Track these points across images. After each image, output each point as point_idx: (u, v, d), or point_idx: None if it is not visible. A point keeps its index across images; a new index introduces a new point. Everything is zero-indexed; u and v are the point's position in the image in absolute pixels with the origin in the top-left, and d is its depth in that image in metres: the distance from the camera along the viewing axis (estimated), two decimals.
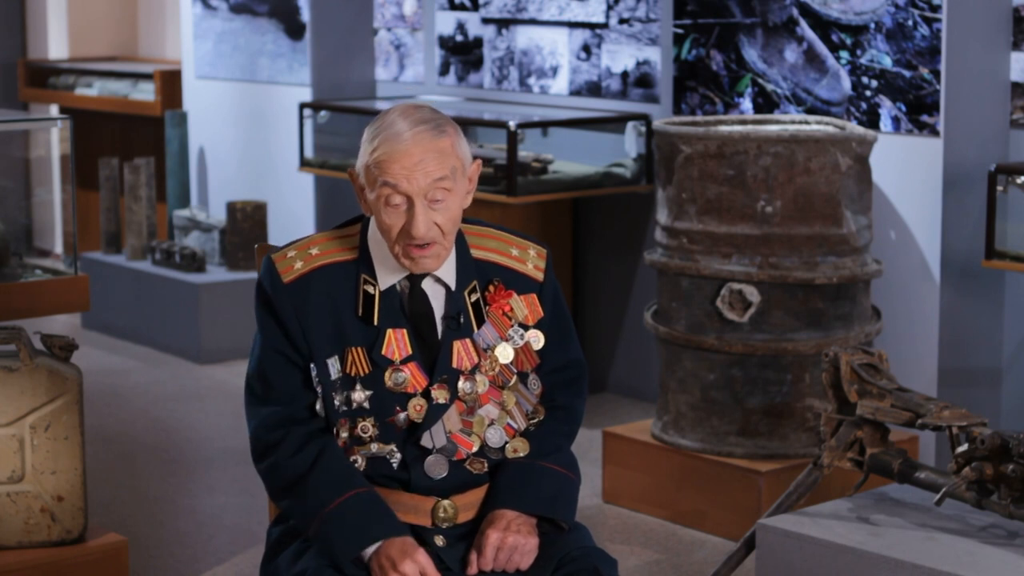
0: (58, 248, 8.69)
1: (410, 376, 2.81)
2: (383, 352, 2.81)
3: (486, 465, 2.86)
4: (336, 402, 2.82)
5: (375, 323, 2.82)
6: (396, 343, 2.82)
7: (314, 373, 2.82)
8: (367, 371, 2.81)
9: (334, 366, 2.82)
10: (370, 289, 2.84)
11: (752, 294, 4.76)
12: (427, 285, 2.86)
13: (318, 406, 2.84)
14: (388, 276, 2.85)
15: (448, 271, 2.87)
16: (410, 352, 2.82)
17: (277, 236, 7.14)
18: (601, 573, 2.79)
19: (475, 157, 2.91)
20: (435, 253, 2.81)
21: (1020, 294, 5.19)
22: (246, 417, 2.90)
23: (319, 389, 2.83)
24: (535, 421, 2.92)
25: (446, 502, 2.83)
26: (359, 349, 2.82)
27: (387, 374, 2.81)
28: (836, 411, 3.64)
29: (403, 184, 2.75)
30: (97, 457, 5.53)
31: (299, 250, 2.88)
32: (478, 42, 6.68)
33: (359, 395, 2.81)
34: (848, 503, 3.62)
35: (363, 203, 2.84)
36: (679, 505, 4.92)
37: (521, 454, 2.88)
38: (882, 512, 3.55)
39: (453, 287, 2.86)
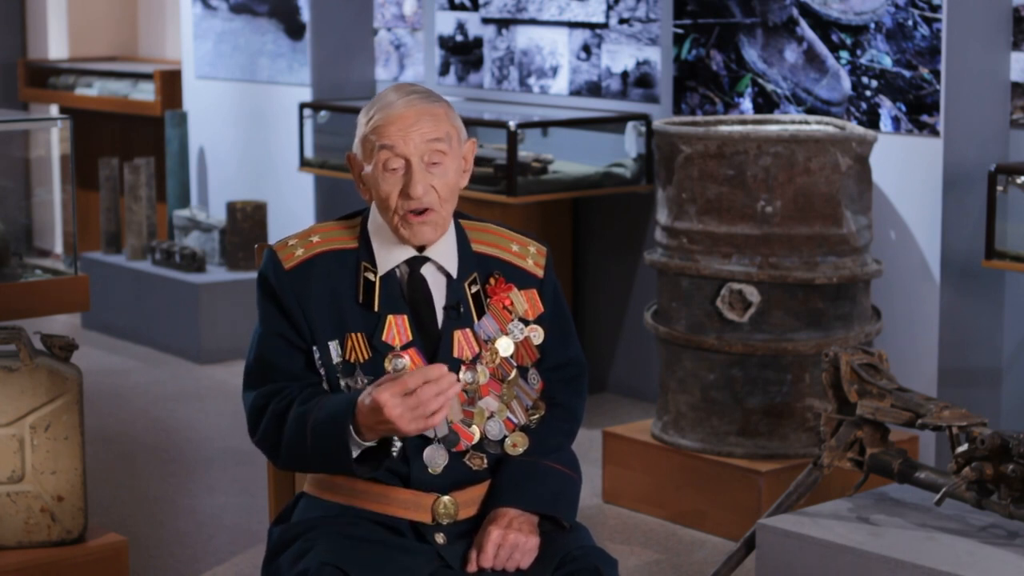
0: (58, 248, 8.70)
1: (410, 362, 2.82)
2: (383, 338, 2.82)
3: (485, 461, 2.86)
4: (342, 385, 2.82)
5: (375, 309, 2.83)
6: (396, 329, 2.83)
7: (317, 356, 2.83)
8: (367, 357, 2.82)
9: (335, 350, 2.83)
10: (370, 276, 2.85)
11: (752, 294, 4.76)
12: (427, 272, 2.87)
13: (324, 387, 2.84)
14: (387, 261, 2.86)
15: (449, 259, 2.88)
16: (410, 338, 2.83)
17: (277, 236, 7.14)
18: (601, 573, 2.79)
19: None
20: (433, 221, 2.83)
21: (1020, 294, 5.19)
22: (243, 401, 2.89)
23: (323, 371, 2.83)
24: (535, 417, 2.92)
25: (446, 498, 2.83)
26: (359, 335, 2.83)
27: (387, 360, 2.82)
28: (836, 411, 3.64)
29: (400, 145, 2.79)
30: (97, 457, 5.53)
31: (300, 238, 2.90)
32: (478, 42, 6.69)
33: (360, 381, 2.82)
34: (848, 503, 3.62)
35: (361, 186, 2.87)
36: (679, 505, 4.92)
37: (520, 449, 2.89)
38: (882, 512, 3.55)
39: (454, 275, 2.88)
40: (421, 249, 2.87)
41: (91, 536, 4.15)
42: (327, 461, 2.78)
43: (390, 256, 2.87)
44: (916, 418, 3.48)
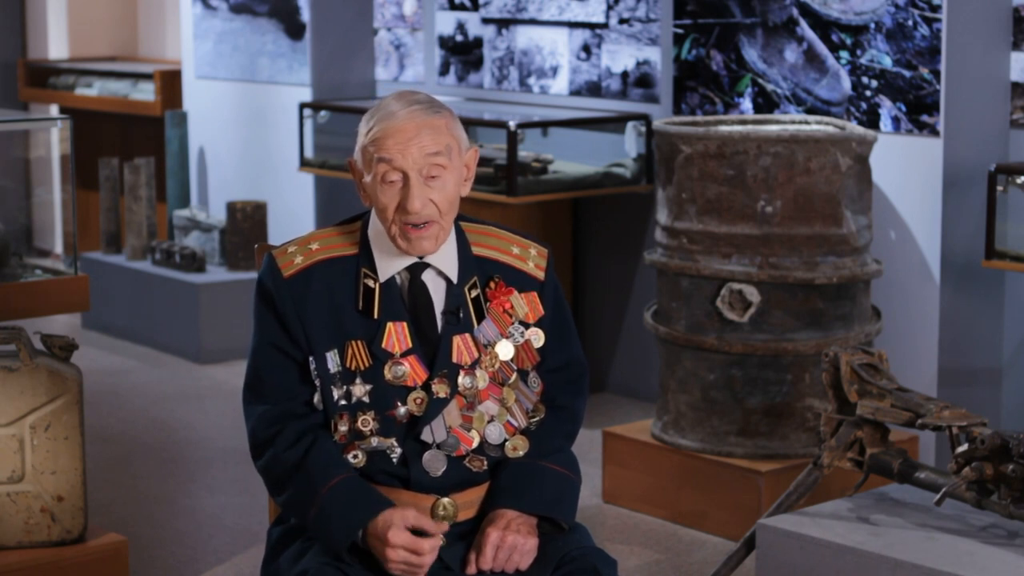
0: (58, 248, 8.69)
1: (409, 369, 2.82)
2: (383, 345, 2.82)
3: (485, 463, 2.86)
4: (335, 396, 2.82)
5: (375, 316, 2.83)
6: (396, 336, 2.83)
7: (313, 367, 2.83)
8: (367, 364, 2.82)
9: (333, 359, 2.83)
10: (370, 283, 2.85)
11: (752, 294, 4.76)
12: (428, 278, 2.87)
13: (315, 399, 2.84)
14: (388, 268, 2.85)
15: (449, 264, 2.88)
16: (410, 345, 2.83)
17: (277, 236, 7.14)
18: (601, 573, 2.79)
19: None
20: (432, 234, 2.82)
21: (1020, 294, 5.19)
22: (244, 416, 2.90)
23: (318, 383, 2.83)
24: (535, 420, 2.92)
25: (446, 500, 2.83)
26: (359, 342, 2.83)
27: (386, 367, 2.81)
28: (836, 411, 3.64)
29: (398, 159, 2.78)
30: (97, 457, 5.53)
31: (299, 245, 2.89)
32: (478, 42, 6.69)
33: (359, 389, 2.82)
34: (848, 503, 3.62)
35: (362, 193, 2.86)
36: (679, 505, 4.92)
37: (521, 452, 2.88)
38: (882, 512, 3.55)
39: (455, 280, 2.87)
40: (421, 255, 2.87)
41: (91, 536, 4.15)
42: (323, 535, 2.80)
43: (391, 264, 2.86)
44: (916, 418, 3.48)
